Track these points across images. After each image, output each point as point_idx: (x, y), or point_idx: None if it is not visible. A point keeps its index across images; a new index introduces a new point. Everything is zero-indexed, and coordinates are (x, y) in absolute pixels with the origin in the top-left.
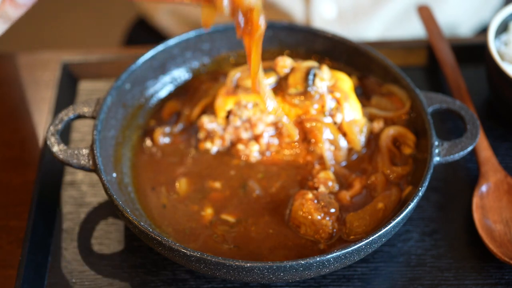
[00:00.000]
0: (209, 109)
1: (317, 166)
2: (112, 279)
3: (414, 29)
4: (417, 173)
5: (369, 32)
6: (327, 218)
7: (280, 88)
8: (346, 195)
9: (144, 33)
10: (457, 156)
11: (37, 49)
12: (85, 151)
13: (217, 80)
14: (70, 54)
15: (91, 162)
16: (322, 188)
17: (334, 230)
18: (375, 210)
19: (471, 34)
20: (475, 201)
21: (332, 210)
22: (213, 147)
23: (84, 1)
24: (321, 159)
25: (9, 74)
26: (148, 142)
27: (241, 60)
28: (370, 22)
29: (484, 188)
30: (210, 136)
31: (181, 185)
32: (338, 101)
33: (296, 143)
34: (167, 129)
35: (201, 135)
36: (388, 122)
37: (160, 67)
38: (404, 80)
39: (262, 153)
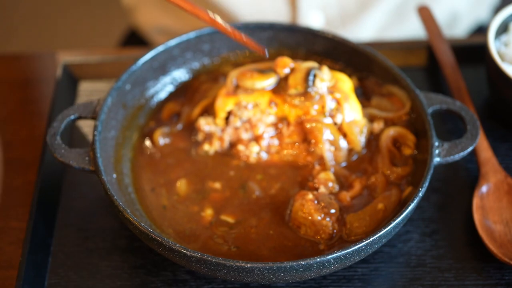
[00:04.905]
0: (209, 110)
1: (317, 167)
2: (112, 279)
3: (409, 30)
4: (417, 174)
5: (360, 36)
6: (327, 219)
7: (280, 88)
8: (346, 196)
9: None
10: (457, 156)
11: (37, 49)
12: (85, 152)
13: (217, 81)
14: (71, 54)
15: (91, 163)
16: (322, 189)
17: (334, 230)
18: (375, 211)
19: (468, 33)
20: (475, 201)
21: (332, 211)
22: (212, 148)
23: (84, 1)
24: (321, 160)
25: (9, 75)
26: (148, 143)
27: (241, 61)
28: (359, 27)
29: (484, 188)
30: (208, 137)
31: (181, 185)
32: (338, 102)
33: (296, 144)
34: (167, 130)
35: (200, 136)
36: (388, 123)
37: (160, 67)
38: (404, 81)
39: (262, 154)
